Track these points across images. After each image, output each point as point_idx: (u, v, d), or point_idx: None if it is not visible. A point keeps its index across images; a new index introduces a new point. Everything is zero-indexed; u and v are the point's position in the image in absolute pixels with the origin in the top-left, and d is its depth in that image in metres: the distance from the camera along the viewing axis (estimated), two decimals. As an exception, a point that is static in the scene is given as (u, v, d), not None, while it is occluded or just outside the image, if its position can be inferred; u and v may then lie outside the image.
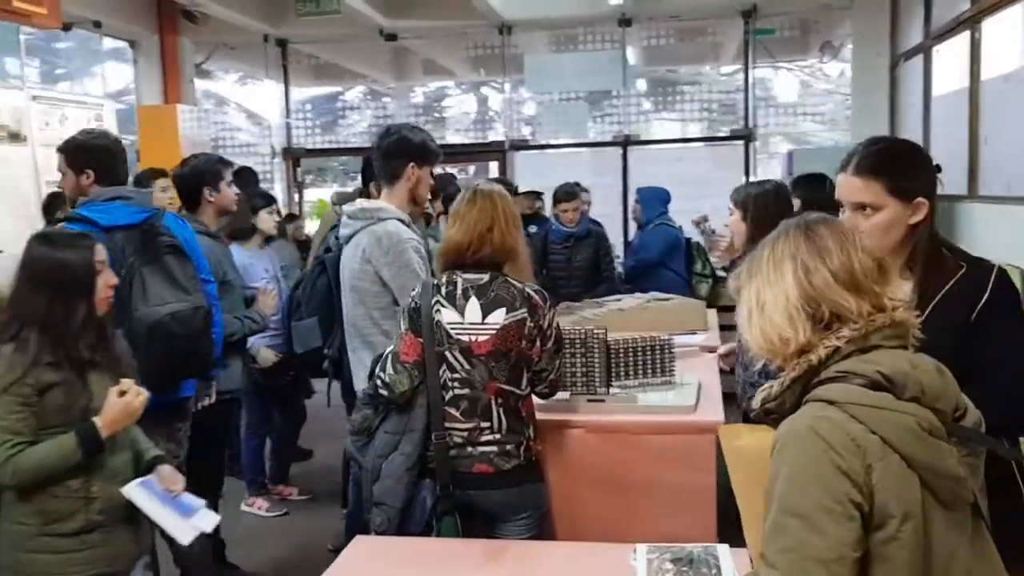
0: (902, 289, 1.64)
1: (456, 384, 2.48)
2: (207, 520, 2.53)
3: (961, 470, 1.34)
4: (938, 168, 2.05)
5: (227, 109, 9.29)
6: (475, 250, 2.49)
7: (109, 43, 8.74)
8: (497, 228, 2.50)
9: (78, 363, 2.35)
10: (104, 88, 8.80)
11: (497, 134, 8.64)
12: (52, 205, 5.27)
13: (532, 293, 2.48)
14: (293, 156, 9.15)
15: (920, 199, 1.94)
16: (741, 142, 8.19)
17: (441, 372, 2.48)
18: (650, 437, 2.80)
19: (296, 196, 9.21)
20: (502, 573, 2.24)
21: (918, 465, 1.31)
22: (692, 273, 6.45)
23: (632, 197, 7.31)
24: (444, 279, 2.52)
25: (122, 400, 2.36)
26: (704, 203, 7.10)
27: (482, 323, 2.45)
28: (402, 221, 3.04)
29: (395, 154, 3.11)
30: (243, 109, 9.42)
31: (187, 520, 2.47)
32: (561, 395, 2.79)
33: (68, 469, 2.31)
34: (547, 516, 2.66)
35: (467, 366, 2.47)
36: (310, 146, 9.18)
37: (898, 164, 1.96)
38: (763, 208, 3.05)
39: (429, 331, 2.46)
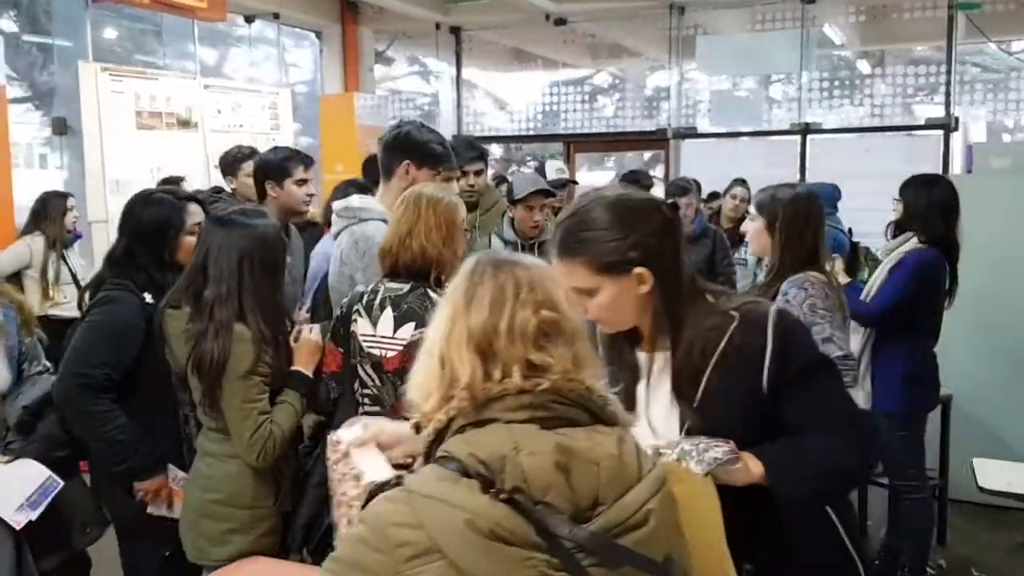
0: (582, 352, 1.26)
1: (367, 401, 2.35)
2: None
3: None
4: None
5: (405, 97, 9.48)
6: (395, 257, 2.35)
7: (293, 33, 9.17)
8: (416, 235, 2.34)
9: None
10: (287, 77, 9.25)
11: (662, 121, 8.20)
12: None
13: None
14: (463, 143, 9.18)
15: (639, 269, 1.55)
16: (939, 131, 7.27)
17: (355, 387, 2.36)
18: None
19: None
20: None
21: (467, 574, 1.06)
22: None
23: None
24: (371, 287, 2.38)
25: (303, 338, 2.42)
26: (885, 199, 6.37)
27: (392, 337, 2.31)
28: (387, 222, 2.86)
29: (392, 149, 2.95)
30: (418, 96, 9.58)
31: None
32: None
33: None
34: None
35: (377, 382, 2.33)
36: (479, 133, 9.20)
37: (597, 238, 1.56)
38: (792, 218, 2.68)
39: (346, 342, 2.35)
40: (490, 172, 5.43)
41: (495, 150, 10.65)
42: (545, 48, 9.82)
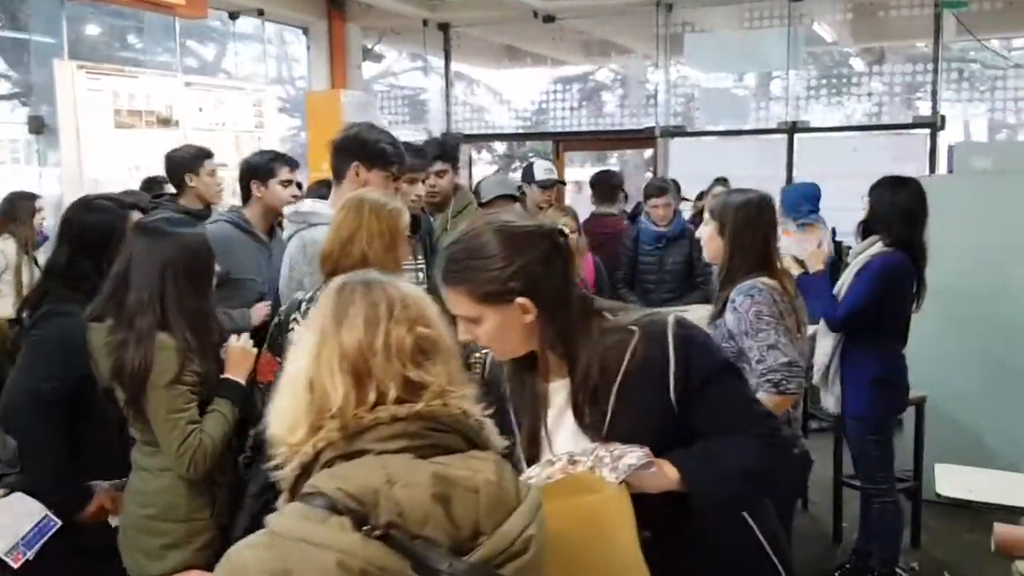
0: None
1: None
2: None
3: None
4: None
5: (394, 94, 9.44)
6: (335, 262, 2.30)
7: (279, 30, 9.12)
8: (358, 241, 2.31)
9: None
10: (278, 73, 9.21)
11: (650, 119, 8.15)
12: (149, 190, 5.46)
13: None
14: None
15: (521, 299, 1.52)
16: (926, 131, 7.21)
17: None
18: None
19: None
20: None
21: None
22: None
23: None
24: (309, 294, 2.32)
25: (231, 346, 2.38)
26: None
27: None
28: None
29: (342, 151, 2.91)
30: (408, 93, 9.53)
31: None
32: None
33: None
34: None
35: None
36: (468, 130, 9.16)
37: (478, 267, 1.52)
38: (743, 223, 2.65)
39: (283, 350, 2.29)
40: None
41: (491, 147, 10.63)
42: (535, 45, 9.77)
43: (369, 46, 9.46)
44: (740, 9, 7.78)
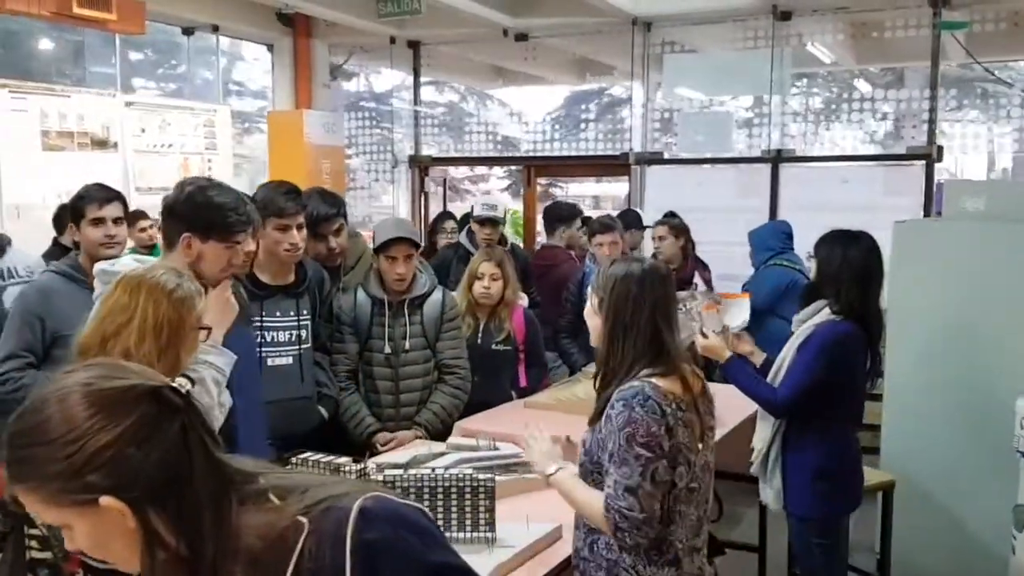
0: None
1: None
2: None
3: None
4: None
5: (364, 114, 8.93)
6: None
7: (240, 46, 8.67)
8: (122, 338, 1.86)
9: None
10: (236, 91, 8.75)
11: (625, 145, 7.61)
12: (60, 219, 4.99)
13: None
14: (420, 164, 8.65)
15: (107, 500, 1.05)
16: (920, 162, 6.62)
17: None
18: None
19: (422, 207, 8.70)
20: None
21: None
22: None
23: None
24: None
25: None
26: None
27: None
28: None
29: (171, 216, 2.43)
30: (378, 114, 9.04)
31: None
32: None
33: None
34: None
35: None
36: (436, 154, 8.66)
37: (42, 456, 1.06)
38: (622, 300, 2.14)
39: None
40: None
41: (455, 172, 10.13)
42: (507, 64, 9.28)
43: (338, 63, 8.99)
44: (723, 29, 7.24)
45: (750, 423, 3.33)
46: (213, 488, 1.05)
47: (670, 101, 7.58)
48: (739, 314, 3.43)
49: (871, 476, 3.73)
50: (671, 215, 5.67)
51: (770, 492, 3.10)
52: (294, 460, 2.16)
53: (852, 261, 2.93)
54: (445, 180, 9.63)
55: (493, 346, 3.97)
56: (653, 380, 2.07)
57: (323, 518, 1.05)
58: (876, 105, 6.96)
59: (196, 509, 1.03)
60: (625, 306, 2.12)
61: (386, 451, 3.39)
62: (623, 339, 2.12)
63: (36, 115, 6.08)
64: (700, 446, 2.13)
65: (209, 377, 2.37)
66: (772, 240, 5.26)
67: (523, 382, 4.07)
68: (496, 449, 2.88)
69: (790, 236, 5.45)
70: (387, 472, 2.27)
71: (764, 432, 3.09)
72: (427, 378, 3.59)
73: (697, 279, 5.34)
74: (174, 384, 1.07)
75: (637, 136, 7.54)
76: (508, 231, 6.89)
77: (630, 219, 5.91)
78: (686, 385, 2.12)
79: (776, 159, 7.05)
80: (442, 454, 2.84)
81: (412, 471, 2.33)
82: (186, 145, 7.18)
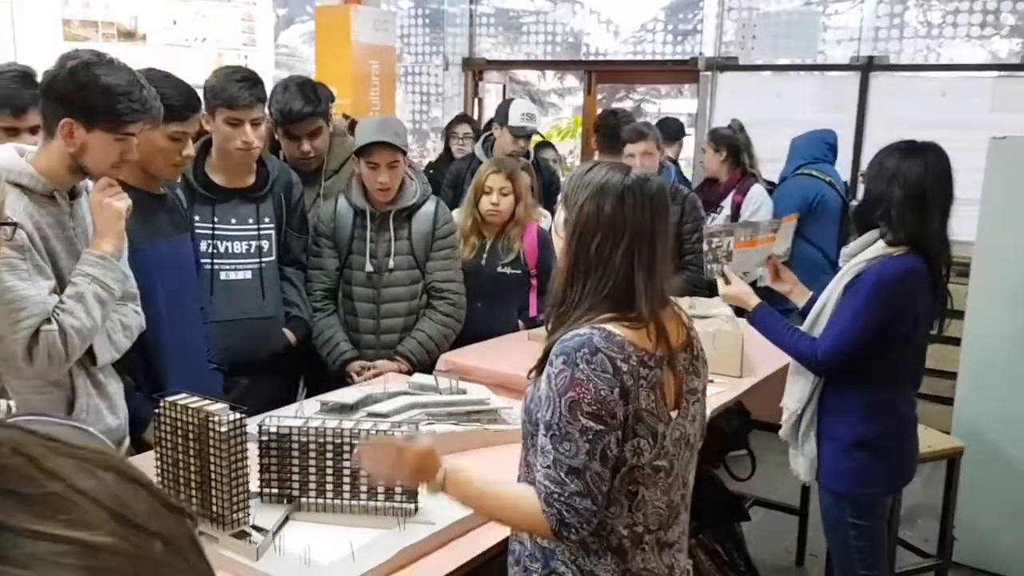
0: None
1: None
2: None
3: None
4: None
5: (415, 12, 8.34)
6: None
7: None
8: None
9: None
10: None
11: (694, 49, 6.84)
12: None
13: None
14: (474, 68, 8.05)
15: None
16: (1037, 73, 5.73)
17: None
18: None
19: (477, 112, 8.11)
20: None
21: None
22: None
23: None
24: None
25: None
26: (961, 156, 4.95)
27: None
28: (25, 190, 1.91)
29: (48, 97, 1.98)
30: (430, 11, 8.41)
31: None
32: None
33: None
34: None
35: None
36: (492, 57, 8.03)
37: None
38: (585, 223, 1.60)
39: None
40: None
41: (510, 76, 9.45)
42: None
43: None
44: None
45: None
46: None
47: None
48: (783, 242, 2.84)
49: (934, 440, 3.15)
50: (729, 126, 5.00)
51: (802, 461, 2.55)
52: (162, 403, 1.73)
53: (906, 175, 2.29)
54: (504, 86, 8.99)
55: (499, 269, 3.47)
56: (608, 327, 1.54)
57: None
58: (988, 5, 6.01)
59: None
60: (594, 230, 1.58)
61: (362, 381, 2.96)
62: (584, 275, 1.59)
63: (57, 1, 5.73)
64: (674, 414, 1.60)
65: (90, 294, 1.95)
66: (810, 148, 4.65)
67: (533, 312, 3.56)
68: (462, 392, 2.41)
69: (833, 148, 4.86)
70: (280, 423, 1.82)
71: (798, 390, 2.52)
72: (413, 302, 3.12)
73: (727, 202, 4.73)
74: None
75: (709, 39, 6.76)
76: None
77: (671, 129, 5.24)
78: (662, 336, 1.58)
79: (867, 67, 6.22)
80: (397, 394, 2.38)
81: (316, 421, 1.87)
82: (222, 40, 6.76)
